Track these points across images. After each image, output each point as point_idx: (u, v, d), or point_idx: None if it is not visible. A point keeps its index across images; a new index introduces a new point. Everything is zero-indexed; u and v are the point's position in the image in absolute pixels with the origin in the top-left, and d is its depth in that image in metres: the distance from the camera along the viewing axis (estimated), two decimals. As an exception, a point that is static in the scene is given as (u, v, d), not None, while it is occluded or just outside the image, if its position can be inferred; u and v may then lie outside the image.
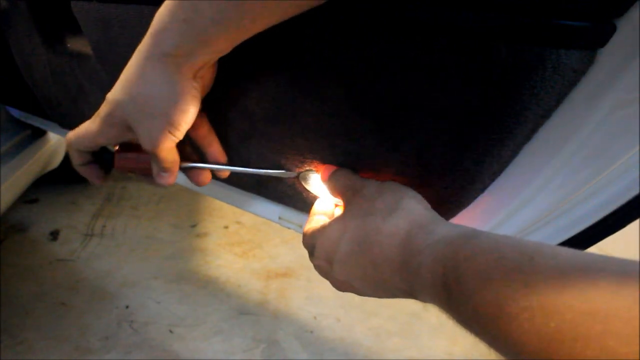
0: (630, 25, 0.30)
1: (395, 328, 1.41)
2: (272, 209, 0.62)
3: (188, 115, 0.41)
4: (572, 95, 0.33)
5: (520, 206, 0.40)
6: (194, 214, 1.95)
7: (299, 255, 1.71)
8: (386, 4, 0.35)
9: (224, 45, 0.37)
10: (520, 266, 0.25)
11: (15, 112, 1.24)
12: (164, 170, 0.45)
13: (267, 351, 1.31)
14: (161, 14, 0.37)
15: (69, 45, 0.74)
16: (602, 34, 0.30)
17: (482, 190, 0.41)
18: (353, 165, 0.46)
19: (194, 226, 1.87)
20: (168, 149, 0.43)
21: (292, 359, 1.29)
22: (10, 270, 1.54)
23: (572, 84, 0.33)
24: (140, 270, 1.59)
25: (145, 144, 0.42)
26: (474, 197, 0.41)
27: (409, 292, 0.34)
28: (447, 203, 0.43)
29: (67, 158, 1.68)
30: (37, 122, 1.15)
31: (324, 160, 0.48)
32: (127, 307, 1.43)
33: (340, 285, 0.42)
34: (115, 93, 0.42)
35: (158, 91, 0.39)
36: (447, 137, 0.38)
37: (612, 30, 0.30)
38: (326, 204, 0.49)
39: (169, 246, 1.73)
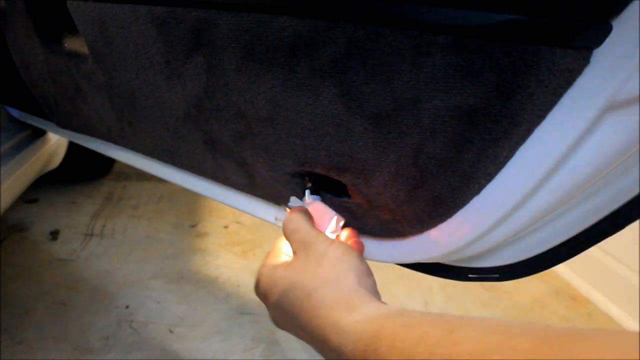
0: (626, 25, 0.29)
1: (395, 328, 1.41)
2: (268, 210, 0.62)
3: None
4: (567, 96, 0.33)
5: (517, 207, 0.40)
6: (194, 214, 1.95)
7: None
8: (381, 3, 0.35)
9: None
10: (441, 340, 0.25)
11: (15, 112, 1.24)
12: None
13: (267, 351, 1.31)
14: None
15: (66, 45, 0.74)
16: (598, 34, 0.30)
17: (478, 191, 0.40)
18: (349, 165, 0.46)
19: (194, 226, 1.87)
20: None
21: (292, 359, 1.29)
22: (10, 270, 1.54)
23: (567, 84, 0.32)
24: (140, 270, 1.59)
25: None
26: (470, 198, 0.41)
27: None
28: (442, 204, 0.42)
29: (67, 158, 1.68)
30: (36, 122, 1.15)
31: (320, 160, 0.48)
32: (127, 307, 1.43)
33: (277, 324, 0.42)
34: None
35: None
36: (442, 137, 0.38)
37: (608, 30, 0.30)
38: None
39: (169, 246, 1.73)
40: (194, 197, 2.04)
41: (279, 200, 0.59)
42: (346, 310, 0.33)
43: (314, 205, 0.48)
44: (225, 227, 1.87)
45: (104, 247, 1.71)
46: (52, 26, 0.76)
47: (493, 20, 0.31)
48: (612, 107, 0.33)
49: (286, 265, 0.41)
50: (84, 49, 0.68)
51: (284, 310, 0.38)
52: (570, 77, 0.32)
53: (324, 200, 0.51)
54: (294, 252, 0.43)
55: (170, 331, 1.35)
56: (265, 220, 0.64)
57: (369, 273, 0.39)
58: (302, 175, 0.52)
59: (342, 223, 0.50)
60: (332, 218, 0.48)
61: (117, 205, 1.99)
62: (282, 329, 0.42)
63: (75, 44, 0.73)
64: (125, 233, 1.79)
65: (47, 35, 0.76)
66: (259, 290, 0.43)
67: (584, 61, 0.31)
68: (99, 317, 1.38)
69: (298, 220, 0.45)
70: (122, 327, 1.35)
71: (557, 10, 0.29)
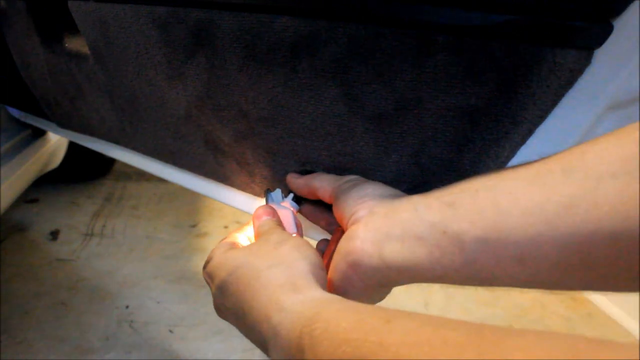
0: (627, 26, 0.30)
1: (395, 328, 1.41)
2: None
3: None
4: (568, 96, 0.33)
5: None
6: (194, 214, 1.95)
7: (299, 255, 1.70)
8: (382, 3, 0.35)
9: None
10: (376, 328, 0.25)
11: (15, 112, 1.24)
12: None
13: (266, 351, 1.31)
14: None
15: (67, 45, 0.74)
16: (599, 34, 0.30)
17: (479, 191, 0.40)
18: (351, 165, 0.46)
19: (194, 226, 1.87)
20: None
21: (291, 359, 1.29)
22: (10, 270, 1.54)
23: (569, 84, 0.32)
24: (140, 270, 1.59)
25: None
26: (471, 198, 0.41)
27: (265, 347, 0.34)
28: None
29: (67, 158, 1.68)
30: (37, 122, 1.15)
31: (322, 160, 0.48)
32: (127, 307, 1.43)
33: (218, 311, 0.41)
34: None
35: None
36: (443, 137, 0.38)
37: (609, 30, 0.30)
38: (246, 236, 0.48)
39: (169, 246, 1.73)
40: (194, 197, 2.04)
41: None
42: (291, 291, 0.33)
43: (284, 212, 0.48)
44: (226, 227, 1.87)
45: (104, 247, 1.71)
46: (52, 26, 0.76)
47: (494, 20, 0.31)
48: (612, 106, 0.33)
49: (242, 247, 0.41)
50: (85, 49, 0.68)
51: (228, 290, 0.37)
52: (572, 77, 0.32)
53: (302, 211, 0.51)
54: (255, 238, 0.43)
55: (170, 331, 1.35)
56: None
57: (323, 268, 0.38)
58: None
59: None
60: (291, 234, 0.48)
61: (117, 205, 1.99)
62: (223, 317, 0.41)
63: (76, 43, 0.73)
64: (125, 233, 1.79)
65: (47, 35, 0.76)
66: (208, 268, 0.41)
67: (585, 61, 0.31)
68: (99, 317, 1.38)
69: (271, 214, 0.45)
70: (122, 327, 1.35)
71: (558, 11, 0.29)
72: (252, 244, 0.41)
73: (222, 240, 0.45)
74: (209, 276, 0.41)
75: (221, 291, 0.38)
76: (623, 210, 0.23)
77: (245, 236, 0.47)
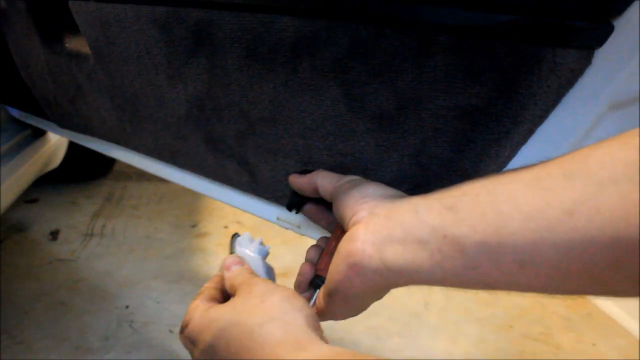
0: (628, 26, 0.30)
1: (395, 328, 1.41)
2: (270, 210, 0.62)
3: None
4: (569, 95, 0.33)
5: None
6: (194, 214, 1.95)
7: (298, 255, 1.71)
8: (383, 3, 0.35)
9: None
10: None
11: (15, 112, 1.24)
12: None
13: (266, 351, 1.31)
14: None
15: (67, 45, 0.74)
16: (599, 34, 0.30)
17: (480, 190, 0.40)
18: (351, 165, 0.46)
19: (194, 226, 1.87)
20: None
21: (291, 359, 1.29)
22: (10, 270, 1.54)
23: (569, 83, 0.32)
24: (140, 270, 1.59)
25: None
26: (472, 198, 0.41)
27: None
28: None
29: (67, 158, 1.68)
30: (37, 122, 1.15)
31: (323, 160, 0.48)
32: (127, 307, 1.43)
33: None
34: None
35: None
36: (444, 137, 0.38)
37: (609, 30, 0.30)
38: (221, 289, 0.45)
39: (169, 246, 1.73)
40: (194, 197, 2.04)
41: (281, 200, 0.59)
42: (294, 349, 0.31)
43: (252, 258, 0.45)
44: (226, 227, 1.87)
45: (104, 247, 1.71)
46: (53, 26, 0.76)
47: (495, 20, 0.31)
48: (613, 106, 0.33)
49: (224, 304, 0.38)
50: (86, 49, 0.68)
51: (217, 354, 0.35)
52: (572, 77, 0.32)
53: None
54: (235, 292, 0.40)
55: (170, 331, 1.35)
56: (267, 220, 0.64)
57: (317, 318, 0.37)
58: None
59: None
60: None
61: (117, 205, 1.99)
62: None
63: (76, 43, 0.73)
64: (125, 233, 1.80)
65: (48, 35, 0.76)
66: (187, 331, 0.38)
67: (586, 61, 0.31)
68: (99, 317, 1.38)
69: (239, 263, 0.43)
70: (122, 327, 1.35)
71: (558, 11, 0.30)
72: (234, 300, 0.38)
73: (196, 298, 0.42)
74: (189, 340, 0.38)
75: (208, 355, 0.36)
76: (624, 217, 0.23)
77: (220, 289, 0.44)
